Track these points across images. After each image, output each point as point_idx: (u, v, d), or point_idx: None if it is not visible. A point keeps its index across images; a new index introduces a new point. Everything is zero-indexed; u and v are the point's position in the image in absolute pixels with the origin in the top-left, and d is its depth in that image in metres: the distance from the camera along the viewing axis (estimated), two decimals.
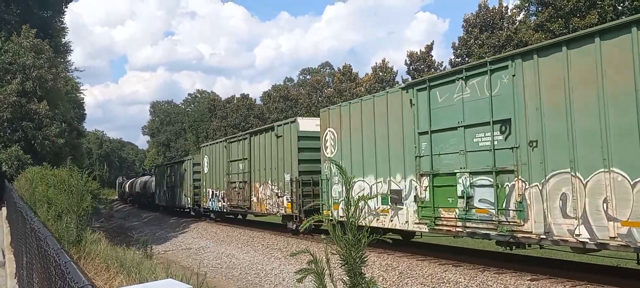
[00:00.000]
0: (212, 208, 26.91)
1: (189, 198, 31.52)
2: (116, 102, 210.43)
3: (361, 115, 14.37)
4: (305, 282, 3.51)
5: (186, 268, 15.28)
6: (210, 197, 27.06)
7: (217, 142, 26.89)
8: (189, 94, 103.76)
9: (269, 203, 20.17)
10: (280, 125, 19.97)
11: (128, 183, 60.80)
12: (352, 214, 3.35)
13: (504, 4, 32.88)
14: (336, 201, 15.19)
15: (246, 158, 22.20)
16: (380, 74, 43.98)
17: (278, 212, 19.59)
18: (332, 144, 15.74)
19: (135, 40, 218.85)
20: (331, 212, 14.99)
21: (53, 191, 12.48)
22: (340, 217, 3.41)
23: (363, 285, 3.40)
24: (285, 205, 18.68)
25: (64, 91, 32.76)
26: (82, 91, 44.16)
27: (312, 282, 3.48)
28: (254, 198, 21.50)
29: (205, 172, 27.91)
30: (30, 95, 27.23)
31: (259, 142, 21.38)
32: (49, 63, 28.13)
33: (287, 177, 18.66)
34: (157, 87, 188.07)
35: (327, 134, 16.11)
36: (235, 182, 23.44)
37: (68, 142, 31.51)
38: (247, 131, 23.62)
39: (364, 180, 14.00)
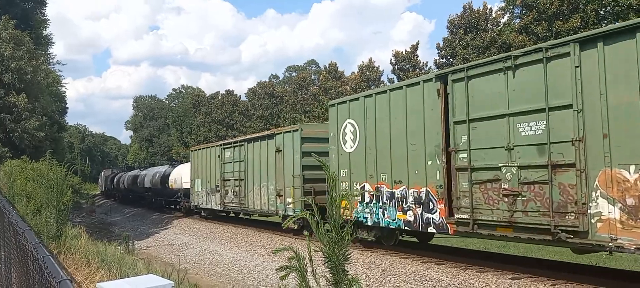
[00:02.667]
0: (377, 222, 13.46)
1: (288, 200, 18.15)
2: (99, 96, 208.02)
3: None
4: (288, 279, 3.50)
5: (168, 264, 15.17)
6: (367, 199, 13.81)
7: (401, 86, 13.21)
8: (173, 89, 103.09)
9: None
10: None
11: (125, 177, 47.10)
12: None
13: (489, 6, 33.21)
14: None
15: (572, 109, 8.83)
16: (367, 73, 44.08)
17: None
18: None
19: (119, 34, 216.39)
20: None
21: (32, 185, 12.29)
22: None
23: (346, 283, 3.40)
24: None
25: (44, 84, 32.21)
26: (63, 84, 43.52)
27: (295, 279, 3.47)
28: (607, 209, 8.30)
29: (349, 150, 14.51)
30: (8, 87, 26.72)
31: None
32: (29, 55, 27.64)
33: None
34: (141, 81, 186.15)
35: None
36: (511, 167, 9.88)
37: (48, 136, 31.00)
38: (565, 38, 9.38)
39: None
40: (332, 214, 3.36)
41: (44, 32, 35.07)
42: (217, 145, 25.03)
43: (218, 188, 24.11)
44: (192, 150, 29.11)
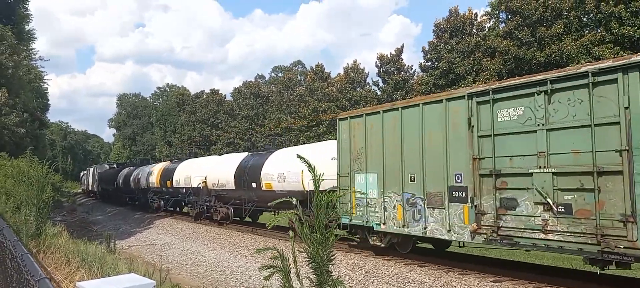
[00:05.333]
0: None
1: None
2: (83, 94, 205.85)
3: None
4: (272, 280, 3.48)
5: (149, 264, 15.03)
6: None
7: None
8: (158, 88, 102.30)
9: None
10: None
11: (143, 175, 33.93)
12: None
13: (474, 11, 33.50)
14: None
15: None
16: (352, 74, 44.16)
17: None
18: None
19: (104, 31, 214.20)
20: None
21: (12, 182, 12.08)
22: None
23: (330, 284, 3.40)
24: None
25: (26, 80, 31.72)
26: (46, 81, 42.88)
27: (278, 279, 3.46)
28: None
29: None
30: None
31: None
32: (11, 50, 27.18)
33: None
34: (125, 79, 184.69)
35: None
36: None
37: (29, 132, 30.53)
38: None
39: None
40: (317, 214, 3.35)
41: (27, 27, 34.52)
42: (456, 97, 11.24)
43: (460, 194, 10.98)
44: (343, 118, 14.70)
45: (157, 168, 32.22)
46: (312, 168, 3.57)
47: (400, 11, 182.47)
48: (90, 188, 56.71)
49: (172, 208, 30.67)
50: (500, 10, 31.26)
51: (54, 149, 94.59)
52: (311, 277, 3.38)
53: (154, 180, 31.30)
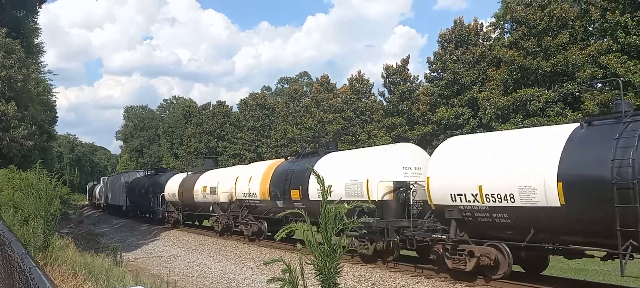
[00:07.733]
0: None
1: None
2: (90, 106, 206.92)
3: None
4: None
5: (156, 277, 15.03)
6: None
7: None
8: (165, 100, 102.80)
9: None
10: None
11: (222, 179, 23.30)
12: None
13: (480, 21, 33.54)
14: None
15: None
16: (357, 85, 44.22)
17: None
18: None
19: (112, 44, 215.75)
20: None
21: (20, 195, 12.16)
22: None
23: None
24: None
25: (35, 93, 32.02)
26: (54, 93, 43.33)
27: None
28: None
29: None
30: None
31: None
32: (20, 63, 27.45)
33: None
34: (133, 91, 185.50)
35: None
36: None
37: (37, 145, 30.74)
38: None
39: None
40: (324, 226, 3.34)
41: (36, 40, 34.91)
42: None
43: None
44: None
45: (256, 170, 20.41)
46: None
47: (406, 22, 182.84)
48: (107, 202, 48.25)
49: (270, 234, 20.43)
50: (505, 20, 31.25)
51: (62, 161, 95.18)
52: None
53: (255, 189, 19.64)
